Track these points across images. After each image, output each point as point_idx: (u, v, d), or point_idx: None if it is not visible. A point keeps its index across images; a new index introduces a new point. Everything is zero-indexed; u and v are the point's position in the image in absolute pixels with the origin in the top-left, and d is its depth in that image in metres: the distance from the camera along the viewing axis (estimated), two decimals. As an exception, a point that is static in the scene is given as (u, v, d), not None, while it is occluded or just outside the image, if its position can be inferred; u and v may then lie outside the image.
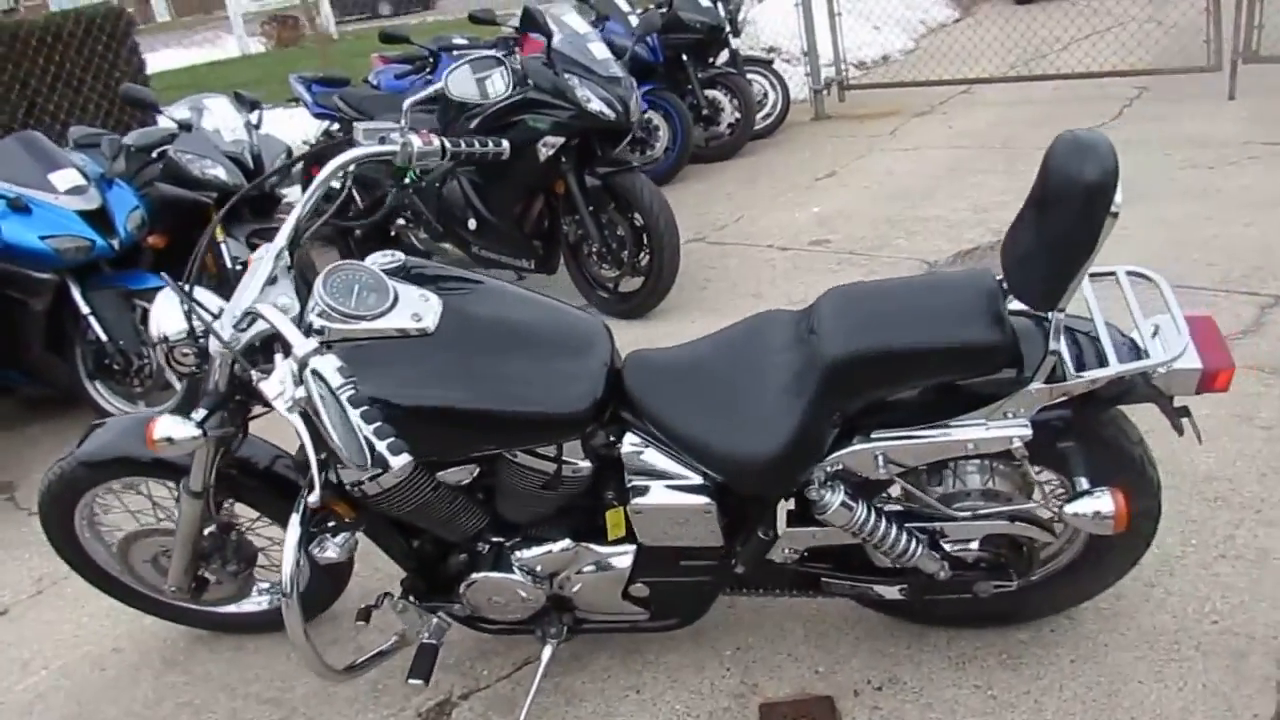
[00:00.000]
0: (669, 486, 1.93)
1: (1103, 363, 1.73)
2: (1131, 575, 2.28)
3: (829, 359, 1.75)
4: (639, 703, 2.21)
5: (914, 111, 7.03)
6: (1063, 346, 1.75)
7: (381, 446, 1.51)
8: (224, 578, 2.32)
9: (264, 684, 2.43)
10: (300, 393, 1.55)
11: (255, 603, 2.53)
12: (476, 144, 2.15)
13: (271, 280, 1.89)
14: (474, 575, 2.08)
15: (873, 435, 1.81)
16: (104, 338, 3.74)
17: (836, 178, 5.74)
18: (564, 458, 1.95)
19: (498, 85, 2.24)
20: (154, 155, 4.17)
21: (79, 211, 3.67)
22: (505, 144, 2.20)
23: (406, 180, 4.56)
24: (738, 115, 6.43)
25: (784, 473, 1.84)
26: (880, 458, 1.80)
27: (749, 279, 4.45)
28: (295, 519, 1.91)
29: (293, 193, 5.98)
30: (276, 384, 1.63)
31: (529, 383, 1.84)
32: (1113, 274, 1.90)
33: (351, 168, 1.99)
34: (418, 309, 1.84)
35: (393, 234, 4.76)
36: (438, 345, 1.82)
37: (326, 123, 5.52)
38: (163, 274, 1.79)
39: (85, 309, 3.73)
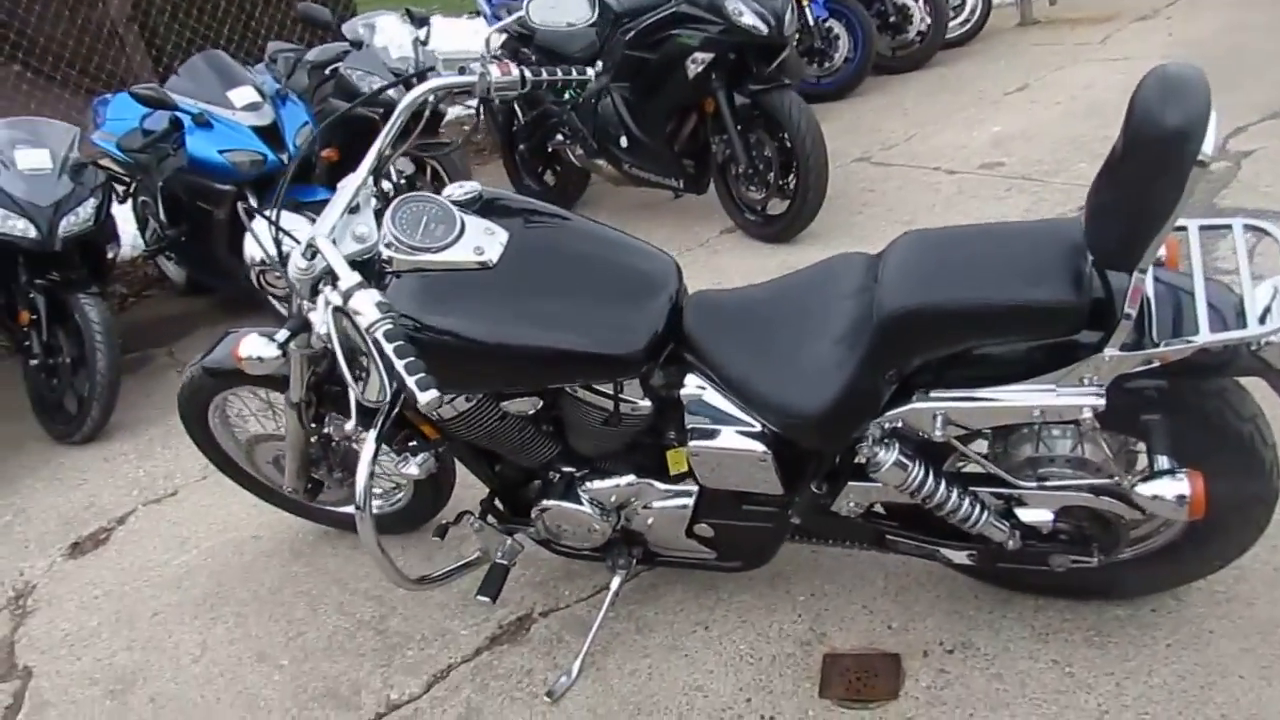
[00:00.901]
0: (726, 431, 1.89)
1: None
2: (1260, 557, 2.07)
3: (885, 313, 1.64)
4: (705, 639, 2.22)
5: (1134, 15, 6.33)
6: (1152, 310, 1.57)
7: (411, 381, 1.55)
8: (332, 483, 2.49)
9: (371, 582, 2.61)
10: (322, 328, 1.62)
11: (368, 506, 2.71)
12: (559, 72, 2.11)
13: (354, 209, 1.97)
14: (545, 502, 2.13)
15: (932, 394, 1.70)
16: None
17: (1027, 92, 5.28)
18: (623, 396, 1.95)
19: (582, 11, 2.18)
20: (327, 73, 4.38)
21: (253, 127, 3.92)
22: (590, 71, 2.15)
23: (565, 97, 4.60)
24: (928, 22, 6.01)
25: (835, 428, 1.76)
26: (939, 418, 1.69)
27: (907, 205, 4.21)
28: (371, 436, 2.01)
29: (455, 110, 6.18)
30: (319, 315, 1.70)
31: (583, 320, 1.84)
32: (1228, 226, 1.67)
33: (431, 98, 2.02)
34: (482, 242, 1.86)
35: (550, 150, 4.81)
36: (498, 279, 1.84)
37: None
38: (241, 206, 1.89)
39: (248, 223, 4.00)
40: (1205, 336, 1.49)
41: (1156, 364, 1.58)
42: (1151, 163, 1.37)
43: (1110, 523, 1.82)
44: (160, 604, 2.71)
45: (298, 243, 1.94)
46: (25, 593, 2.91)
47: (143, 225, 4.72)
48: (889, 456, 1.74)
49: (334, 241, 1.87)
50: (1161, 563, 1.94)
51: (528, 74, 2.07)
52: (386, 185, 2.07)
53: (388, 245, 1.85)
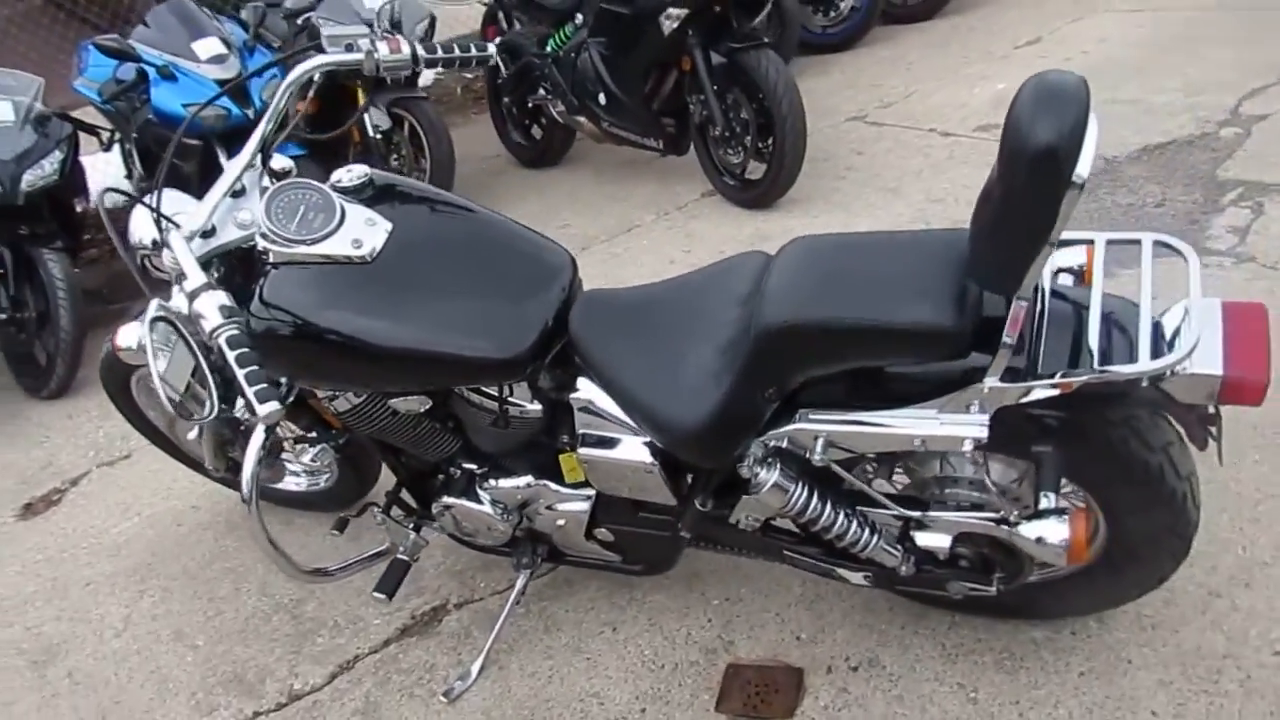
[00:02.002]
0: (615, 439, 1.80)
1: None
2: (1195, 579, 1.97)
3: (761, 327, 1.53)
4: (611, 641, 2.16)
5: (1165, -38, 5.98)
6: (1044, 333, 1.45)
7: (250, 393, 1.48)
8: (249, 464, 2.44)
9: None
10: (143, 337, 1.55)
11: (294, 483, 2.67)
12: (457, 49, 1.99)
13: (238, 193, 1.89)
14: (445, 499, 2.07)
15: (813, 416, 1.59)
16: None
17: (1038, 46, 5.01)
18: (511, 399, 1.87)
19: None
20: (299, 22, 4.26)
21: (218, 80, 3.83)
22: (491, 48, 2.02)
23: (547, 50, 4.44)
24: (943, -32, 5.72)
25: (713, 445, 1.66)
26: (820, 441, 1.59)
27: (894, 169, 4.02)
28: (259, 428, 1.94)
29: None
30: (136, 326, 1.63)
31: (461, 321, 1.74)
32: (1137, 241, 1.53)
33: (316, 77, 1.92)
34: (361, 234, 1.77)
35: (530, 105, 4.67)
36: (375, 274, 1.75)
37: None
38: (100, 192, 1.81)
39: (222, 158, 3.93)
40: (1088, 372, 1.37)
41: (1026, 399, 1.46)
42: (1023, 183, 1.24)
43: (1014, 550, 1.71)
44: (95, 573, 2.71)
45: (177, 227, 1.86)
46: (-28, 548, 2.92)
47: (130, 173, 4.68)
48: (769, 477, 1.65)
49: (208, 230, 1.81)
50: (1075, 588, 1.84)
51: (420, 51, 1.95)
52: (285, 164, 1.98)
53: (263, 235, 1.76)
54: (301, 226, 1.75)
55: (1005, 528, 1.64)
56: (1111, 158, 3.67)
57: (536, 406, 1.88)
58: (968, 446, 1.48)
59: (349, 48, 1.92)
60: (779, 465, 1.65)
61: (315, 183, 1.82)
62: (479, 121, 5.74)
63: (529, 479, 1.99)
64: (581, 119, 4.34)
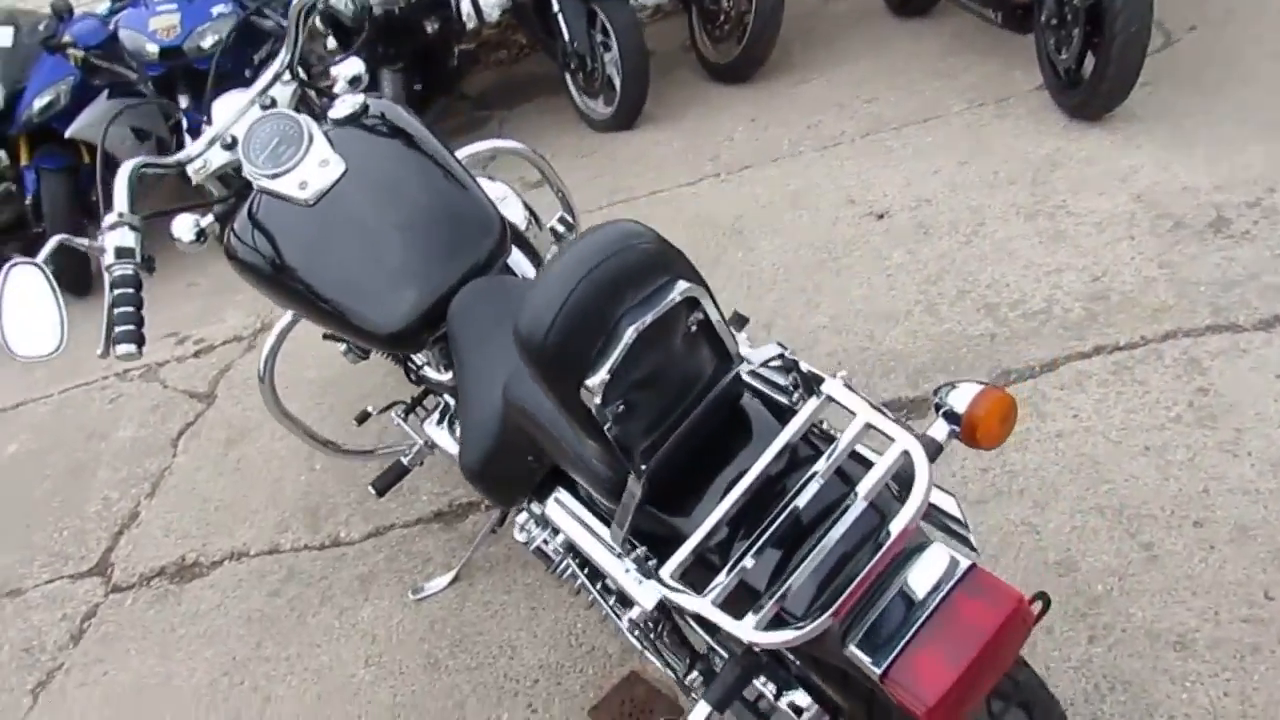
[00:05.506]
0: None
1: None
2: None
3: (504, 393, 1.35)
4: (561, 599, 2.14)
5: None
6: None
7: (115, 331, 1.65)
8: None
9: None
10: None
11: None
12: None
13: (269, 105, 2.00)
14: (425, 424, 2.14)
15: (557, 498, 1.39)
16: (566, 36, 4.06)
17: None
18: (425, 365, 1.86)
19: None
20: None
21: None
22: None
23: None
24: None
25: (486, 488, 1.53)
26: (554, 529, 1.39)
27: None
28: (279, 324, 2.15)
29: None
30: None
31: (359, 285, 1.74)
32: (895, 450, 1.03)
33: (320, 4, 1.91)
34: (310, 176, 1.81)
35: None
36: (311, 218, 1.80)
37: None
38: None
39: (555, 7, 4.04)
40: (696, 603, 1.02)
41: None
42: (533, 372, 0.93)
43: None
44: (332, 374, 3.13)
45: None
46: (263, 330, 3.59)
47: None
48: (532, 539, 1.48)
49: (229, 143, 1.95)
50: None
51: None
52: (356, 69, 2.05)
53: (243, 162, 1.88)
54: (270, 159, 1.83)
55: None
56: None
57: (448, 375, 1.84)
58: (633, 613, 1.21)
59: None
60: (546, 532, 1.48)
61: (295, 115, 1.87)
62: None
63: None
64: (921, -27, 3.71)
